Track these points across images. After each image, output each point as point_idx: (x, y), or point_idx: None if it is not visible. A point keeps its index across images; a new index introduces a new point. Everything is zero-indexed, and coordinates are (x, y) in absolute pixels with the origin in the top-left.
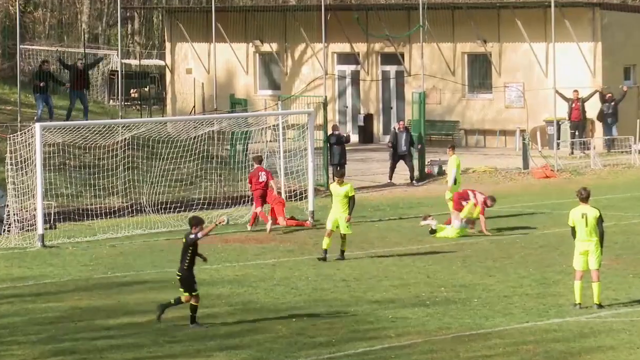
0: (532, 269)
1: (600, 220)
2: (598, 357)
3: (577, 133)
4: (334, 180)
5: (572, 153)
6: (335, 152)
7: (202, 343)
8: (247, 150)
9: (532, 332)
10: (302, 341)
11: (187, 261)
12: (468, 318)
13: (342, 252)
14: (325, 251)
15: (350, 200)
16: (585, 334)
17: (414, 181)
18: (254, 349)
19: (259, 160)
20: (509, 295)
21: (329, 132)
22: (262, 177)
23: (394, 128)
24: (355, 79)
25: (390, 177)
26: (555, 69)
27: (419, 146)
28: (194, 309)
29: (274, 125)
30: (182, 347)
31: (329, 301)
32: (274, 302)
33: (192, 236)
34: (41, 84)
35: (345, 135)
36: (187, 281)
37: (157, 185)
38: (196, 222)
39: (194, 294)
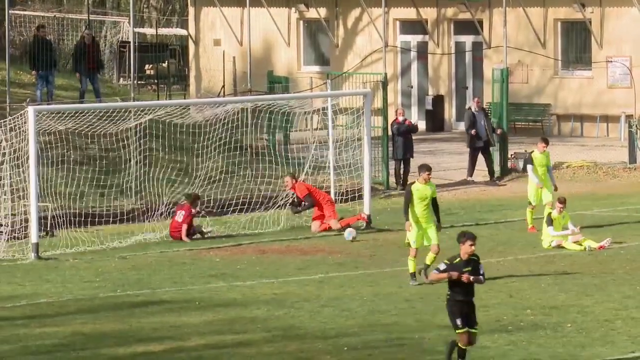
0: None
1: None
2: None
3: None
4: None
5: None
6: (398, 144)
7: None
8: (289, 141)
9: None
10: None
11: None
12: (560, 347)
13: (428, 267)
14: (414, 274)
15: (435, 203)
16: None
17: (495, 178)
18: None
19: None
20: (610, 320)
21: (392, 117)
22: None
23: (470, 108)
24: (423, 52)
25: (471, 174)
26: None
27: (499, 131)
28: None
29: (321, 109)
30: None
31: (388, 326)
32: (321, 327)
33: None
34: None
35: (413, 123)
36: None
37: (178, 184)
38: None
39: None
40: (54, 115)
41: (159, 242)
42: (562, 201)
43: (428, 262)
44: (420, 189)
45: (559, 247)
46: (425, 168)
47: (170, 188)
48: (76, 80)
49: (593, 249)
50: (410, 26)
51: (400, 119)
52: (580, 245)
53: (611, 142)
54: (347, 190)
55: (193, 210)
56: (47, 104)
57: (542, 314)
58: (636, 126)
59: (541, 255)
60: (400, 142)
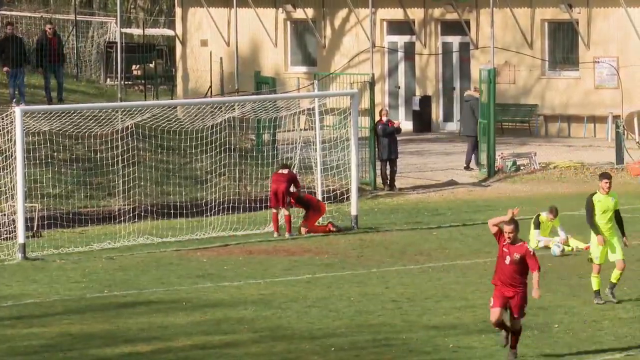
0: (627, 288)
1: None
2: None
3: None
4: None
5: None
6: (383, 145)
7: None
8: (275, 141)
9: None
10: None
11: None
12: (547, 348)
13: (614, 285)
14: (598, 293)
15: (618, 215)
16: None
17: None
18: None
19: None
20: (597, 320)
21: (377, 118)
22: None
23: (467, 95)
24: (410, 52)
25: (468, 163)
26: None
27: (397, 123)
28: None
29: (308, 110)
30: None
31: (375, 327)
32: (308, 327)
33: None
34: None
35: (394, 124)
36: None
37: (165, 185)
38: None
39: None
40: (40, 115)
41: (146, 243)
42: (555, 213)
43: (614, 280)
44: (602, 200)
45: (546, 247)
46: (604, 176)
47: (157, 189)
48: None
49: (580, 249)
50: (398, 27)
51: (385, 119)
52: (568, 246)
53: (598, 143)
54: (335, 192)
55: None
56: (20, 104)
57: (529, 315)
58: (623, 127)
59: None
60: (385, 142)
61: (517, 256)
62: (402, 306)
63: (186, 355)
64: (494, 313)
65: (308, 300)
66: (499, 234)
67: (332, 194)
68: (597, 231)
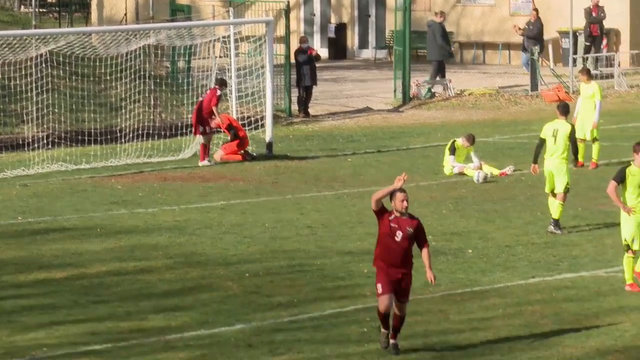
0: (540, 213)
1: (572, 138)
2: (619, 319)
3: (593, 47)
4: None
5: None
6: (303, 72)
7: (134, 303)
8: (190, 69)
9: (539, 289)
10: (257, 301)
11: None
12: (461, 273)
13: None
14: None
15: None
16: (604, 292)
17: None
18: (198, 311)
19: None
20: (511, 245)
21: (296, 46)
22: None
23: (429, 21)
24: None
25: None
26: None
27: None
28: None
29: (224, 38)
30: (108, 308)
31: (290, 252)
32: (223, 253)
33: None
34: None
35: (314, 52)
36: None
37: (80, 112)
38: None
39: None
40: None
41: (60, 170)
42: (471, 141)
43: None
44: (636, 174)
45: (461, 174)
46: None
47: (72, 116)
48: None
49: (495, 175)
50: None
51: (304, 46)
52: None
53: (513, 70)
54: (250, 119)
55: (219, 92)
56: None
57: (443, 240)
58: (538, 54)
59: (443, 182)
60: (304, 70)
61: (410, 230)
62: (316, 232)
63: (100, 281)
64: (384, 300)
65: (222, 226)
66: (382, 211)
67: (247, 121)
68: (625, 202)
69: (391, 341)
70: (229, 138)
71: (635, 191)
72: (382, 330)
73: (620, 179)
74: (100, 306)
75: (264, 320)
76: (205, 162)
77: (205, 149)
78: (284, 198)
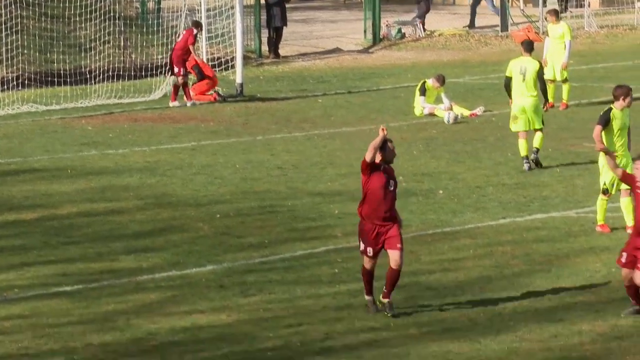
0: (511, 154)
1: (540, 75)
2: (590, 260)
3: None
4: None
5: (563, 12)
6: (273, 13)
7: (105, 244)
8: (160, 10)
9: (509, 230)
10: (227, 242)
11: None
12: (432, 214)
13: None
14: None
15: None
16: (575, 233)
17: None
18: (169, 252)
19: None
20: (481, 186)
21: None
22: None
23: None
24: None
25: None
26: None
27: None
28: None
29: None
30: (79, 249)
31: (260, 193)
32: (194, 194)
33: None
34: None
35: None
36: None
37: (49, 53)
38: None
39: None
40: None
41: (30, 111)
42: (441, 81)
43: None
44: (619, 117)
45: (431, 115)
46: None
47: (41, 57)
48: None
49: (465, 116)
50: None
51: None
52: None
53: (483, 11)
54: (220, 59)
55: (195, 31)
56: None
57: (414, 181)
58: None
59: (413, 123)
60: (274, 11)
61: (395, 177)
62: (287, 173)
63: (71, 222)
64: (369, 261)
65: (193, 167)
66: (371, 164)
67: (217, 62)
68: (607, 149)
69: (385, 300)
70: (195, 78)
71: (619, 133)
72: (368, 299)
73: (605, 122)
74: (71, 247)
75: (235, 261)
76: (176, 103)
77: (177, 90)
78: (255, 139)
